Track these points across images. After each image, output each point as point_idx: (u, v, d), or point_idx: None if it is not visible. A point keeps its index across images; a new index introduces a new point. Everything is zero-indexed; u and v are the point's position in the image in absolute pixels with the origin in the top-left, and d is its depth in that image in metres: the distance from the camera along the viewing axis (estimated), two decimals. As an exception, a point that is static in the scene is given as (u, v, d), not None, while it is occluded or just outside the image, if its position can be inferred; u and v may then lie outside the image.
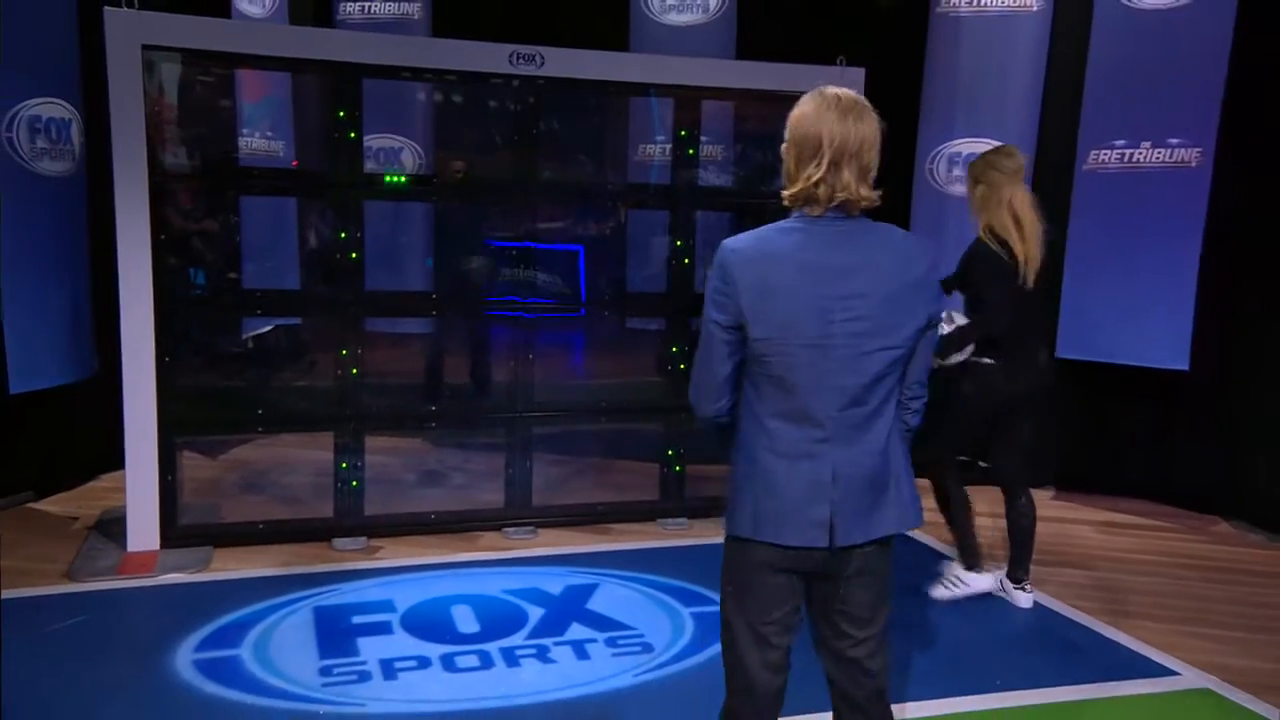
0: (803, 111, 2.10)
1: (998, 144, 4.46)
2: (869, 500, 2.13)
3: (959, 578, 4.36)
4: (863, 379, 2.08)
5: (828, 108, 2.06)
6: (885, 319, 2.08)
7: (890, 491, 2.16)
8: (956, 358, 4.10)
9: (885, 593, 2.25)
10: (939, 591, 4.36)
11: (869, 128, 2.07)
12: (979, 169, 4.05)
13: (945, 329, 4.07)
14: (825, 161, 2.04)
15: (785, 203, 2.15)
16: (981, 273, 4.03)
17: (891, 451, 2.16)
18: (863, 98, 2.10)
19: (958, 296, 4.26)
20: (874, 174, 2.09)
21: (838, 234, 2.09)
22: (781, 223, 2.15)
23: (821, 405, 2.08)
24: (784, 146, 2.14)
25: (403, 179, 4.61)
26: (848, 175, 2.05)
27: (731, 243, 2.12)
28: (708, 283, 2.15)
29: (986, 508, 5.00)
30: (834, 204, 2.07)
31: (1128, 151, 5.55)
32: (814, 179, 2.05)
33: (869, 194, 2.08)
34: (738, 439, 2.20)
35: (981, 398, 4.14)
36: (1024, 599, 4.32)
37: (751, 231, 2.14)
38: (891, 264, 2.10)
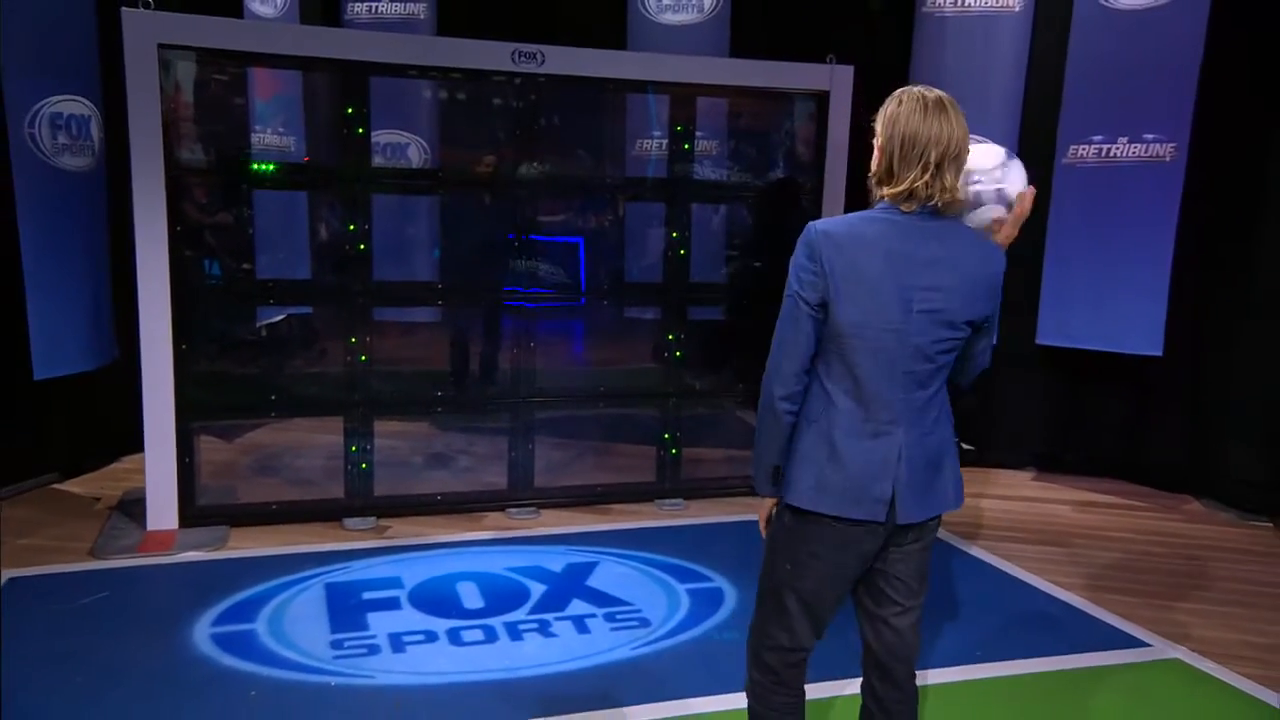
0: (904, 112, 2.07)
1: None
2: (926, 480, 2.15)
3: None
4: (930, 365, 2.12)
5: (931, 111, 2.05)
6: (956, 313, 2.10)
7: (945, 473, 2.19)
8: None
9: (929, 565, 2.27)
10: None
11: (965, 128, 2.07)
12: None
13: None
14: (931, 165, 2.03)
15: (883, 198, 2.13)
16: None
17: (945, 434, 2.20)
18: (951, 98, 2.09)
19: None
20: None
21: (923, 228, 2.09)
22: (868, 212, 2.15)
23: (892, 388, 2.10)
24: (879, 144, 2.12)
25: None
26: (950, 178, 2.06)
27: (820, 224, 2.11)
28: (793, 260, 2.13)
29: (993, 491, 5.03)
30: (930, 202, 2.08)
31: (1105, 146, 5.55)
32: (918, 181, 2.04)
33: (962, 197, 2.10)
34: (805, 414, 2.17)
35: None
36: None
37: (838, 217, 2.14)
38: (970, 260, 2.11)
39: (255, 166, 5.26)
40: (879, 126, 2.12)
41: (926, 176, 2.04)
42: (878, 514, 2.10)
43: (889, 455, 2.10)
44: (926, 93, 2.08)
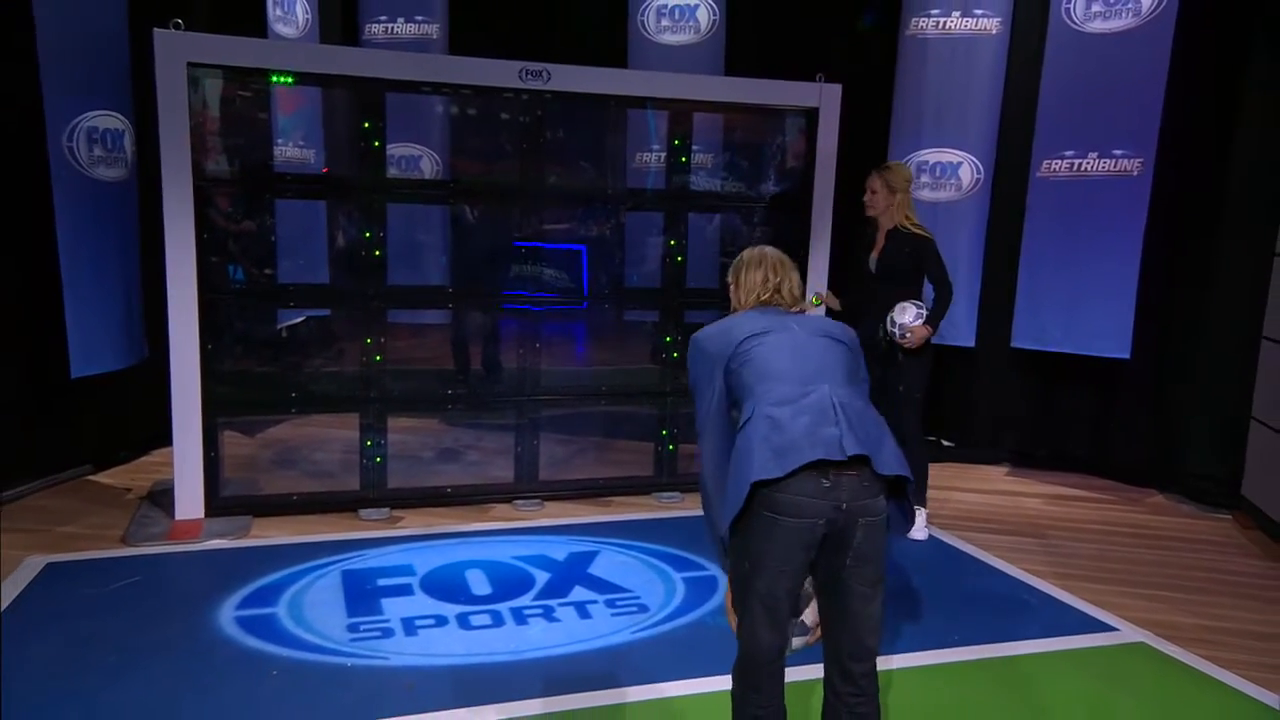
0: (747, 263, 2.63)
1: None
2: (866, 427, 2.23)
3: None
4: (829, 352, 2.40)
5: (768, 258, 2.61)
6: (829, 332, 2.48)
7: (885, 440, 2.26)
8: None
9: (885, 553, 2.28)
10: (918, 533, 4.68)
11: (795, 276, 2.62)
12: (899, 182, 4.60)
13: (905, 319, 4.47)
14: (770, 288, 2.58)
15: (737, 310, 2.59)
16: (937, 255, 4.55)
17: (875, 411, 2.33)
18: (787, 258, 2.64)
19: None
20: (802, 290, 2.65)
21: (783, 311, 2.55)
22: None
23: (803, 357, 2.35)
24: (732, 286, 2.63)
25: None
26: (785, 292, 2.59)
27: (697, 333, 2.51)
28: (690, 370, 2.49)
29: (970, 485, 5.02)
30: (776, 306, 2.57)
31: (1076, 161, 5.57)
32: (764, 294, 2.58)
33: (803, 304, 2.62)
34: (737, 427, 2.30)
35: (930, 351, 4.64)
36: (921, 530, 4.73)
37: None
38: (828, 323, 2.54)
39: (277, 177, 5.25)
40: (731, 276, 2.66)
41: (768, 292, 2.57)
42: (834, 452, 2.17)
43: (824, 403, 2.24)
44: (766, 250, 2.64)
